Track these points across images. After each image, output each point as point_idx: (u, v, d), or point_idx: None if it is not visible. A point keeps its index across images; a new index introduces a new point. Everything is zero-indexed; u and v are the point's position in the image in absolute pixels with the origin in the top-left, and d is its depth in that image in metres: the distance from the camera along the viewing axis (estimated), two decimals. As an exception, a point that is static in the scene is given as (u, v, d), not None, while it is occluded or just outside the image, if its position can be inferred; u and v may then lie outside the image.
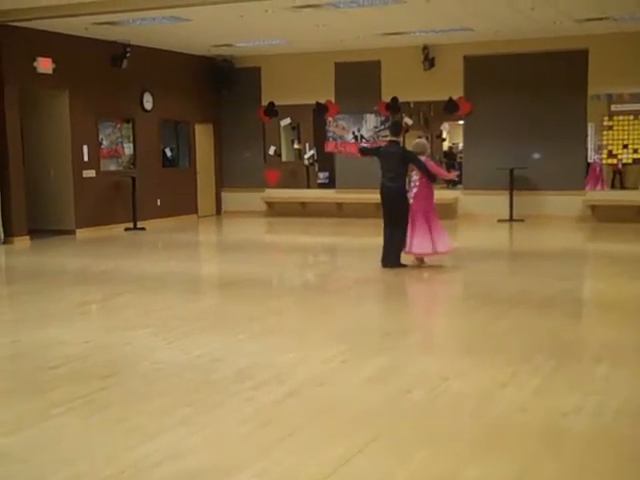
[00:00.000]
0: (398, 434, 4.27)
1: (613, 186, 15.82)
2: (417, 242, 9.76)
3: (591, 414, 4.49)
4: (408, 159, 9.76)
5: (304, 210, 17.54)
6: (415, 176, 9.84)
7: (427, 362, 5.72)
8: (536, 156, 15.86)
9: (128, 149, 16.05)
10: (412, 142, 10.27)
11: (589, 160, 15.77)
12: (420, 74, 16.17)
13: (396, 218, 9.75)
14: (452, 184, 16.26)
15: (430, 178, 9.79)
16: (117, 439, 4.25)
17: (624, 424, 4.34)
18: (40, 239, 13.73)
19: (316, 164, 18.44)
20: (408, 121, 16.86)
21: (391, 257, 9.86)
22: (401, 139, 9.93)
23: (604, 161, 15.72)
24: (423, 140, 9.92)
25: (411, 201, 9.75)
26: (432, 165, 10.09)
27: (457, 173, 10.69)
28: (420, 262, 10.02)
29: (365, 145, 15.72)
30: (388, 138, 9.96)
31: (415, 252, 9.86)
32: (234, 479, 3.70)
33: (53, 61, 13.94)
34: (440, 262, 10.19)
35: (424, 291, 9.27)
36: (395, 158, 9.72)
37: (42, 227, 14.23)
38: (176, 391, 5.10)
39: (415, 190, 9.78)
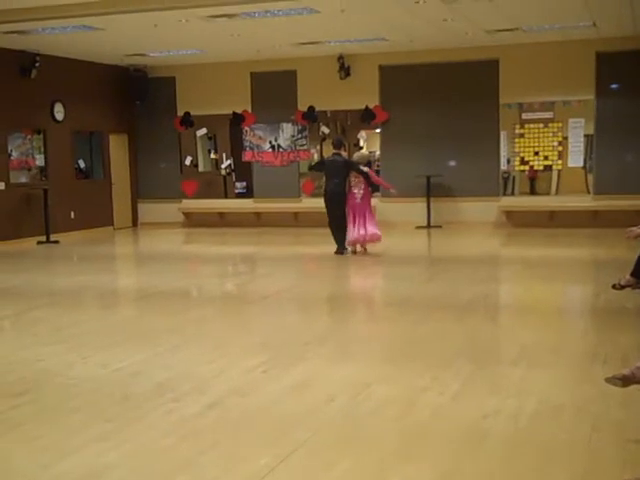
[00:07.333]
0: (321, 442, 4.24)
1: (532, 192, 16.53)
2: (358, 231, 11.64)
3: (509, 416, 4.55)
4: (351, 168, 11.76)
5: (222, 220, 17.41)
6: (355, 179, 11.75)
7: (348, 369, 5.70)
8: (452, 163, 16.14)
9: (39, 160, 15.65)
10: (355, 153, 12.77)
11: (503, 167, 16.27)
12: (336, 83, 16.26)
13: (340, 215, 11.74)
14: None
15: (369, 183, 11.87)
16: (31, 458, 4.09)
17: (540, 425, 4.41)
18: (-52, 254, 13.25)
19: (233, 174, 18.36)
20: (325, 130, 16.95)
21: (340, 247, 11.75)
22: (343, 152, 12.12)
23: (516, 168, 16.21)
24: (365, 152, 12.16)
25: (358, 200, 11.71)
26: (373, 175, 12.26)
27: (396, 189, 12.64)
28: (358, 249, 11.91)
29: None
30: (333, 151, 12.19)
31: (354, 238, 11.71)
32: (154, 495, 3.62)
33: (-41, 71, 13.53)
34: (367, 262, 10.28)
35: (344, 299, 9.28)
36: (339, 167, 11.71)
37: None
38: (93, 407, 4.95)
39: (362, 192, 11.77)
